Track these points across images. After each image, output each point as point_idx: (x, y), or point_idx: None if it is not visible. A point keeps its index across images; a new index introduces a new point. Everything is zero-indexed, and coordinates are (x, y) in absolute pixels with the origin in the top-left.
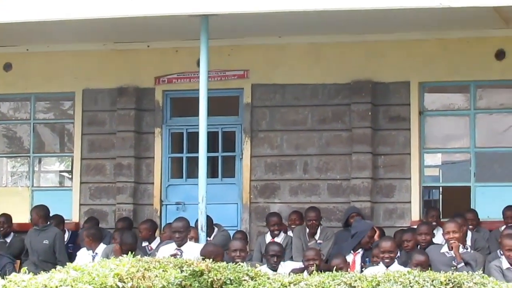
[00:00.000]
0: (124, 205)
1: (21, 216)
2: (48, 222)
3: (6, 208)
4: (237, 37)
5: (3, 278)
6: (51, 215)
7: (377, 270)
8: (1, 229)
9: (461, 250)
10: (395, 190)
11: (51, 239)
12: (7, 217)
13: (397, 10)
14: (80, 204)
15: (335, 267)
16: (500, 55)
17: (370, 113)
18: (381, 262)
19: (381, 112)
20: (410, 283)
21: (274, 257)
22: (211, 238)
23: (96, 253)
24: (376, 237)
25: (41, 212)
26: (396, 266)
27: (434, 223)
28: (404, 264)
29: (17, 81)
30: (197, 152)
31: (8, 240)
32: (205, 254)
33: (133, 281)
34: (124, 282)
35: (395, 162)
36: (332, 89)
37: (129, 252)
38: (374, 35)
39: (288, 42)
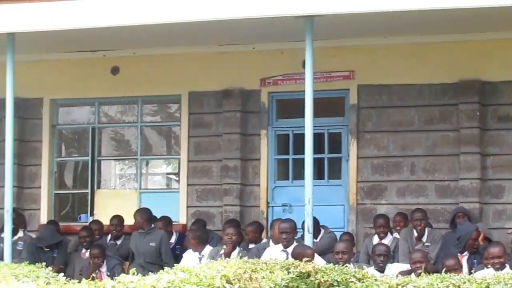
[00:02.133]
0: (231, 207)
1: (130, 218)
2: (152, 225)
3: (115, 211)
4: (342, 38)
5: (112, 279)
6: (158, 217)
7: (487, 273)
8: (114, 231)
9: None
10: (504, 191)
11: (157, 242)
12: (120, 220)
13: (503, 8)
14: (187, 206)
15: (444, 269)
16: None
17: (478, 113)
18: (490, 267)
19: (489, 112)
20: None
21: (380, 256)
22: (318, 240)
23: (203, 255)
24: (480, 239)
25: (145, 216)
26: (507, 270)
27: None
28: None
29: (124, 84)
30: (303, 153)
31: (119, 242)
32: (293, 256)
33: (240, 283)
34: (231, 284)
35: (504, 162)
36: (438, 89)
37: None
38: (481, 34)
39: (393, 42)
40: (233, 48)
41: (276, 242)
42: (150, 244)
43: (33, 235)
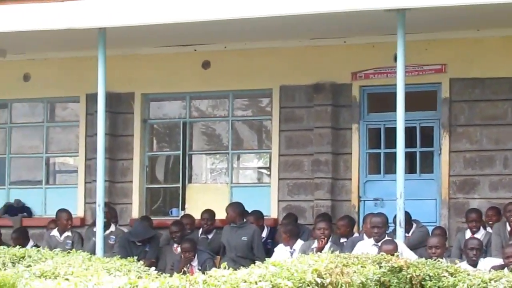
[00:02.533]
0: (322, 201)
1: (221, 212)
2: (244, 219)
3: (206, 205)
4: (434, 31)
5: (203, 273)
6: (250, 211)
7: None
8: (205, 225)
9: None
10: None
11: (250, 236)
12: (211, 214)
13: None
14: (279, 200)
15: None
16: None
17: None
18: None
19: None
20: None
21: (473, 250)
22: (409, 234)
23: (294, 250)
24: None
25: (237, 210)
26: None
27: None
28: None
29: (215, 78)
30: (395, 147)
31: (210, 236)
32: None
33: (332, 277)
34: (323, 278)
35: None
36: None
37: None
38: None
39: (485, 35)
40: (325, 42)
41: (369, 236)
42: (242, 239)
43: (125, 229)
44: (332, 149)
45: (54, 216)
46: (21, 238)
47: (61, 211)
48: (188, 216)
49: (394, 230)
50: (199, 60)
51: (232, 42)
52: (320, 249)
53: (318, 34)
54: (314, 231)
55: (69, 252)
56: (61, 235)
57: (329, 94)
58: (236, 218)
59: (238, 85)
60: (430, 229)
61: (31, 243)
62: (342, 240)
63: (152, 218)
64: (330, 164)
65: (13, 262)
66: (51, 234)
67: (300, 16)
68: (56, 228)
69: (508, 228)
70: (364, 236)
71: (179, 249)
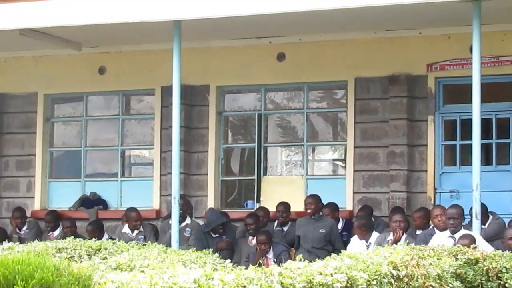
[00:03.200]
0: (398, 193)
1: (296, 204)
2: (321, 212)
3: (281, 197)
4: (510, 22)
5: (279, 265)
6: (325, 203)
7: None
8: (280, 218)
9: None
10: None
11: (327, 229)
12: (286, 206)
13: None
14: (354, 193)
15: None
16: None
17: None
18: None
19: None
20: None
21: None
22: (486, 226)
23: (370, 243)
24: None
25: (319, 202)
26: None
27: None
28: None
29: (290, 71)
30: (471, 139)
31: (285, 228)
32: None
33: (407, 269)
34: (398, 270)
35: None
36: None
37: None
38: None
39: None
40: (400, 34)
41: (438, 229)
42: (320, 231)
43: (200, 222)
44: (408, 141)
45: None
46: (97, 231)
47: (130, 210)
48: (263, 209)
49: (470, 222)
50: (274, 52)
51: (306, 34)
52: (395, 242)
53: (393, 26)
54: (390, 223)
55: (144, 245)
56: (132, 231)
57: (405, 86)
58: (315, 210)
59: (313, 77)
60: (506, 221)
61: (106, 236)
62: (418, 232)
63: (227, 210)
64: (405, 156)
65: (89, 255)
66: (122, 231)
67: (375, 7)
68: (127, 225)
69: None
70: (435, 229)
71: (254, 241)
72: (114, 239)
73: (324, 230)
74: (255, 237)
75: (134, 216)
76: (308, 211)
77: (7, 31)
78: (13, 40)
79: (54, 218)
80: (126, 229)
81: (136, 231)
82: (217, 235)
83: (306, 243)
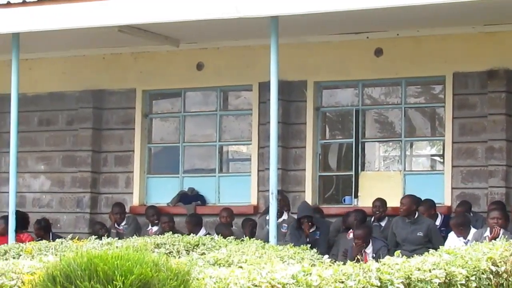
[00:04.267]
0: (496, 188)
1: (394, 200)
2: (416, 212)
3: (379, 193)
4: None
5: (377, 261)
6: (422, 199)
7: None
8: (377, 212)
9: None
10: None
11: (425, 231)
12: (382, 202)
13: None
14: (452, 188)
15: None
16: None
17: None
18: None
19: None
20: None
21: None
22: None
23: (468, 240)
24: None
25: (415, 203)
26: None
27: None
28: None
29: (387, 66)
30: None
31: (383, 224)
32: None
33: (507, 265)
34: (497, 266)
35: None
36: None
37: None
38: None
39: None
40: (498, 28)
41: (491, 228)
42: (418, 234)
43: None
44: (507, 136)
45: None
46: (194, 224)
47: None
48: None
49: None
50: (371, 47)
51: (404, 29)
52: (493, 239)
53: (491, 20)
54: (487, 220)
55: (242, 240)
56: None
57: (503, 81)
58: (412, 212)
59: (410, 72)
60: None
61: (203, 230)
62: None
63: (325, 206)
64: (504, 151)
65: (187, 250)
66: (267, 218)
67: (473, 2)
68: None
69: None
70: None
71: (351, 236)
72: (212, 235)
73: (422, 233)
74: (352, 232)
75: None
76: (400, 210)
77: (106, 28)
78: (112, 37)
79: (155, 213)
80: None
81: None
82: (311, 230)
83: (405, 246)
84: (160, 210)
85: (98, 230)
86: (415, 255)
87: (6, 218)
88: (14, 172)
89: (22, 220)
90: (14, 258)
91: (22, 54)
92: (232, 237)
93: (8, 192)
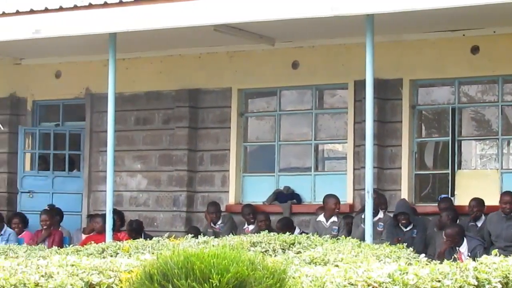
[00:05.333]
0: None
1: (491, 199)
2: None
3: (475, 191)
4: None
5: (474, 260)
6: None
7: None
8: (472, 212)
9: None
10: None
11: None
12: (478, 201)
13: None
14: None
15: None
16: None
17: None
18: None
19: None
20: None
21: None
22: None
23: None
24: None
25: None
26: None
27: None
28: None
29: (484, 63)
30: None
31: (479, 224)
32: None
33: None
34: None
35: None
36: None
37: None
38: None
39: None
40: None
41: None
42: None
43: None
44: None
45: (322, 202)
46: (285, 229)
47: (329, 196)
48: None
49: None
50: (468, 45)
51: (501, 26)
52: None
53: None
54: None
55: (338, 239)
56: (327, 220)
57: None
58: (508, 206)
59: (507, 69)
60: None
61: (297, 230)
62: None
63: (420, 204)
64: None
65: (283, 249)
66: (317, 220)
67: None
68: (323, 214)
69: None
70: None
71: None
72: (307, 233)
73: None
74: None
75: (333, 200)
76: (503, 207)
77: (202, 27)
78: (207, 36)
79: (251, 212)
80: (321, 217)
81: (331, 220)
82: (407, 229)
83: (499, 242)
84: (256, 209)
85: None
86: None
87: (103, 216)
88: (111, 171)
89: (119, 219)
90: (111, 256)
91: (119, 54)
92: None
93: (105, 191)
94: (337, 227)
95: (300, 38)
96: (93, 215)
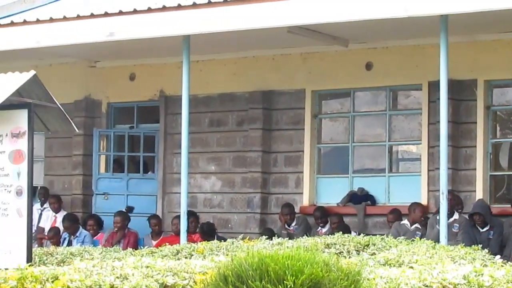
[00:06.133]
0: None
1: None
2: None
3: None
4: None
5: None
6: None
7: None
8: None
9: None
10: None
11: None
12: None
13: None
14: None
15: None
16: None
17: None
18: None
19: None
20: None
21: None
22: None
23: None
24: None
25: None
26: None
27: None
28: None
29: None
30: None
31: None
32: None
33: None
34: None
35: None
36: None
37: None
38: None
39: None
40: None
41: None
42: None
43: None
44: None
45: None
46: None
47: (417, 204)
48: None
49: None
50: None
51: None
52: None
53: None
54: None
55: (412, 241)
56: (411, 224)
57: None
58: None
59: None
60: None
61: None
62: None
63: (496, 206)
64: None
65: (357, 250)
66: (401, 223)
67: None
68: (407, 218)
69: None
70: None
71: None
72: (382, 235)
73: None
74: None
75: (420, 209)
76: None
77: (276, 29)
78: (281, 37)
79: (323, 214)
80: (406, 221)
81: (415, 225)
82: (485, 229)
83: None
84: (327, 211)
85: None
86: None
87: (178, 218)
88: (185, 172)
89: (193, 221)
90: (186, 258)
91: (193, 55)
92: None
93: (179, 193)
94: (420, 233)
95: (373, 39)
96: (151, 216)
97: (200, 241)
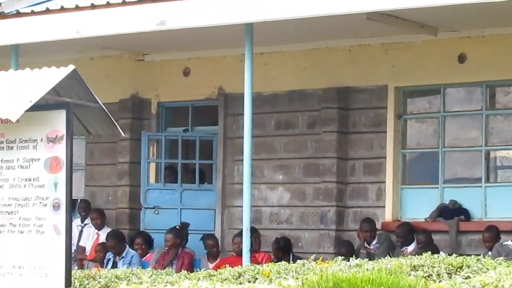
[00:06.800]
0: None
1: None
2: None
3: None
4: None
5: None
6: None
7: None
8: None
9: None
10: None
11: None
12: None
13: None
14: None
15: None
16: None
17: None
18: None
19: None
20: None
21: None
22: None
23: None
24: None
25: None
26: None
27: None
28: None
29: None
30: None
31: None
32: None
33: None
34: None
35: None
36: None
37: None
38: None
39: None
40: None
41: None
42: None
43: None
44: None
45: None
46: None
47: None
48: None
49: None
50: None
51: None
52: None
53: None
54: None
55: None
56: None
57: None
58: None
59: None
60: None
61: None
62: None
63: None
64: None
65: (449, 273)
66: (504, 243)
67: None
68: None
69: None
70: None
71: None
72: (478, 255)
73: None
74: None
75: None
76: None
77: (352, 15)
78: (359, 25)
79: (408, 231)
80: (510, 241)
81: None
82: None
83: None
84: (416, 227)
85: (344, 252)
86: None
87: (240, 235)
88: (248, 183)
89: (256, 238)
90: (249, 282)
91: (256, 47)
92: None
93: (241, 206)
94: None
95: (467, 27)
96: (206, 235)
97: (267, 261)
